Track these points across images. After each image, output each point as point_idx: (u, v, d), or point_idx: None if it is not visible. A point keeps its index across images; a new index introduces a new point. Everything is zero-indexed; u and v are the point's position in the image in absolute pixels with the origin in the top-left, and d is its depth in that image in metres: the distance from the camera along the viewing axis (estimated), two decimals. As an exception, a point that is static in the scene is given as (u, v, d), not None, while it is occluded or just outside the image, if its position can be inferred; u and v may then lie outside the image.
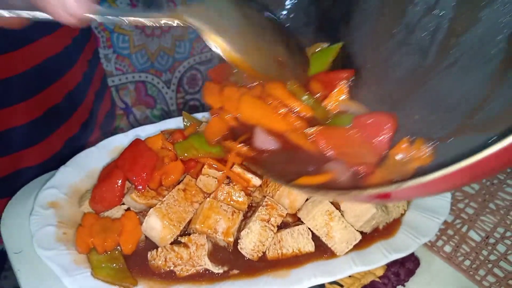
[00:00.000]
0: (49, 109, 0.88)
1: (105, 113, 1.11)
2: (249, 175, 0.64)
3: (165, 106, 2.12)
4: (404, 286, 0.64)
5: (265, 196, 0.64)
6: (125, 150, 0.66)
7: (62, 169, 0.72)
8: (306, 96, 0.59)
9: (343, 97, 0.61)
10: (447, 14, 0.58)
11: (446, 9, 0.58)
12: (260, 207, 0.62)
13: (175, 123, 0.81)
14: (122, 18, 0.42)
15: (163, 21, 0.45)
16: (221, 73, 0.65)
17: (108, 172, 0.65)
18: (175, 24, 0.45)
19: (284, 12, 0.72)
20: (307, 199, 0.64)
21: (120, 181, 0.63)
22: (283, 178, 0.52)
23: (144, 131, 0.79)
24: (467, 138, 0.49)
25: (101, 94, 1.09)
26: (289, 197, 0.64)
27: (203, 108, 2.25)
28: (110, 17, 0.41)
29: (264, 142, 0.54)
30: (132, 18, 0.43)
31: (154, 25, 0.45)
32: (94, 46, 1.11)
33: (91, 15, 0.36)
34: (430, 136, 0.53)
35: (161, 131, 0.74)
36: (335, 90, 0.61)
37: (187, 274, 0.59)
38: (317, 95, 0.61)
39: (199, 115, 0.82)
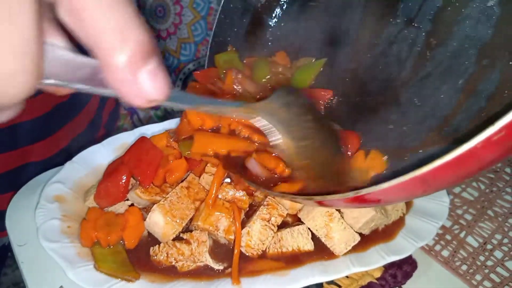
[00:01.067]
0: (57, 106, 0.90)
1: (109, 112, 1.13)
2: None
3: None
4: (401, 288, 0.65)
5: (266, 196, 0.66)
6: (131, 147, 0.67)
7: (68, 164, 0.73)
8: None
9: None
10: (424, 27, 0.59)
11: (424, 22, 0.59)
12: (261, 207, 0.64)
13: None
14: (197, 106, 0.39)
15: (238, 114, 0.46)
16: (207, 77, 0.67)
17: (113, 168, 0.66)
18: (249, 120, 0.46)
19: (275, 20, 0.73)
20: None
21: (125, 177, 0.65)
22: (263, 186, 0.55)
23: (150, 130, 0.80)
24: (433, 150, 0.50)
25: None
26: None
27: (206, 110, 2.26)
28: (185, 105, 0.38)
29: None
30: (206, 108, 0.41)
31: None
32: None
33: (166, 102, 0.32)
34: (403, 146, 0.55)
35: (166, 130, 0.75)
36: None
37: (188, 269, 0.60)
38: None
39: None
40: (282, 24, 0.75)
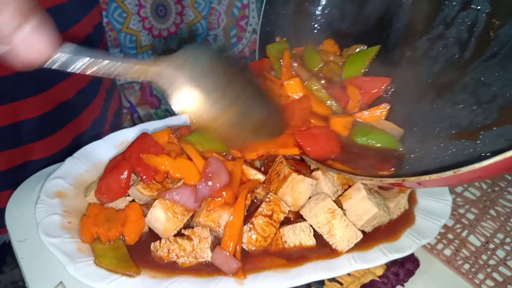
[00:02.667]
0: (60, 104, 0.89)
1: (114, 111, 1.13)
2: (253, 171, 0.65)
3: (169, 106, 2.13)
4: (403, 286, 0.64)
5: (268, 193, 0.65)
6: (132, 143, 0.67)
7: (69, 160, 0.73)
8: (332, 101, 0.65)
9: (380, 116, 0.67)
10: (484, 9, 0.59)
11: (483, 3, 0.59)
12: (263, 203, 0.63)
13: (182, 119, 0.83)
14: (87, 68, 0.39)
15: (135, 73, 0.42)
16: (262, 67, 0.69)
17: (114, 164, 0.66)
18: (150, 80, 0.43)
19: (319, 8, 0.74)
20: (310, 197, 0.65)
21: (126, 173, 0.64)
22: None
23: (151, 126, 0.80)
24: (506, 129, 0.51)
25: (111, 92, 1.10)
26: (292, 194, 0.64)
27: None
28: (77, 64, 0.38)
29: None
30: (101, 66, 0.39)
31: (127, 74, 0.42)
32: (106, 44, 1.12)
33: (54, 62, 0.33)
34: (474, 125, 0.56)
35: (168, 126, 0.75)
36: (377, 108, 0.67)
37: (189, 265, 0.59)
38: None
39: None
40: (327, 11, 0.75)
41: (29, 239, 0.67)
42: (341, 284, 0.63)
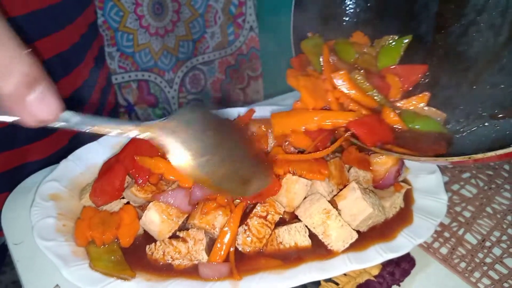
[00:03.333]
0: None
1: (109, 110, 1.12)
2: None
3: (167, 105, 2.13)
4: (399, 285, 0.64)
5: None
6: (126, 145, 0.66)
7: (64, 162, 0.73)
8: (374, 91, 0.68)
9: (421, 104, 0.70)
10: None
11: None
12: (258, 204, 0.63)
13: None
14: (89, 128, 0.43)
15: (134, 134, 0.46)
16: (301, 62, 0.71)
17: (109, 166, 0.66)
18: (143, 137, 0.47)
19: (347, 0, 0.77)
20: (305, 198, 0.65)
21: (120, 175, 0.64)
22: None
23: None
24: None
25: (106, 92, 1.10)
26: (287, 195, 0.64)
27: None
28: (81, 126, 0.43)
29: None
30: (99, 128, 0.44)
31: (123, 136, 0.47)
32: (101, 43, 1.11)
33: (59, 123, 0.38)
34: None
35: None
36: (418, 97, 0.70)
37: (185, 267, 0.59)
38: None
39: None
40: (355, 2, 0.78)
41: (25, 242, 0.67)
42: (337, 284, 0.63)
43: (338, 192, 0.66)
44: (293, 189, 0.64)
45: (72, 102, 0.92)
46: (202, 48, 2.04)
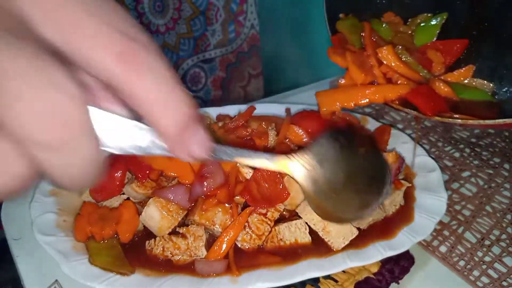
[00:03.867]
0: None
1: None
2: (246, 169, 0.65)
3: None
4: (398, 283, 0.64)
5: (263, 191, 0.65)
6: (126, 141, 0.66)
7: (64, 158, 0.73)
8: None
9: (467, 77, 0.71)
10: None
11: None
12: (258, 201, 0.63)
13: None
14: (233, 159, 0.41)
15: (271, 168, 0.45)
16: (340, 41, 0.72)
17: (109, 162, 0.66)
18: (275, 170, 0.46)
19: None
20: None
21: (120, 171, 0.64)
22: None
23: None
24: None
25: None
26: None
27: (205, 106, 2.27)
28: (224, 158, 0.41)
29: None
30: (245, 161, 0.42)
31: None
32: None
33: (209, 156, 0.36)
34: None
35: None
36: (464, 69, 0.71)
37: (184, 263, 0.59)
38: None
39: (201, 110, 0.83)
40: None
41: (24, 237, 0.67)
42: (336, 281, 0.63)
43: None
44: (294, 187, 0.64)
45: None
46: (203, 46, 2.04)
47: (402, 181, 0.72)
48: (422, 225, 0.66)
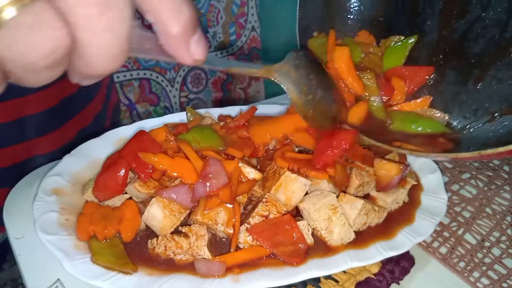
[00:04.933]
0: (64, 100, 0.90)
1: (113, 107, 1.14)
2: (248, 169, 0.65)
3: (168, 104, 2.14)
4: (398, 284, 0.65)
5: (265, 193, 0.65)
6: (129, 141, 0.67)
7: (67, 157, 0.73)
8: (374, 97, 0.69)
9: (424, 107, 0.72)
10: None
11: None
12: (260, 204, 0.63)
13: (179, 117, 0.83)
14: (227, 67, 0.51)
15: (257, 74, 0.57)
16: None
17: (112, 162, 0.66)
18: (261, 76, 0.57)
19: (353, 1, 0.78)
20: (305, 194, 0.66)
21: (123, 171, 0.64)
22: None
23: (148, 124, 0.80)
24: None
25: (110, 89, 1.11)
26: (285, 193, 0.64)
27: (206, 107, 2.27)
28: (217, 65, 0.50)
29: None
30: (234, 69, 0.52)
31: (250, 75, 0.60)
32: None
33: (205, 63, 0.43)
34: None
35: (165, 124, 0.75)
36: (421, 100, 0.72)
37: (186, 262, 0.60)
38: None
39: (202, 111, 0.83)
40: (359, 2, 0.79)
41: (26, 236, 0.68)
42: (337, 281, 0.64)
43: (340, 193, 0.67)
44: (291, 187, 0.64)
45: (80, 96, 0.94)
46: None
47: (408, 179, 0.72)
48: (423, 226, 0.67)
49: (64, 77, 0.86)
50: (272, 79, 0.59)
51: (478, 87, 0.67)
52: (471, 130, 0.66)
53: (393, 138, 0.65)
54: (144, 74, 1.98)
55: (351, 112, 0.67)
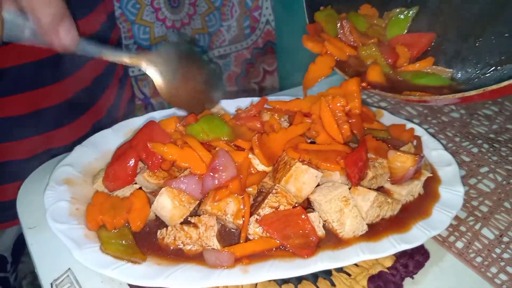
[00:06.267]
0: (79, 92, 0.91)
1: (127, 100, 1.14)
2: (258, 161, 0.64)
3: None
4: (412, 278, 0.63)
5: (275, 184, 0.64)
6: (139, 131, 0.67)
7: (78, 148, 0.74)
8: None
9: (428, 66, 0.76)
10: None
11: None
12: (270, 195, 0.62)
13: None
14: (100, 54, 0.61)
15: (126, 61, 0.66)
16: (315, 30, 0.78)
17: (122, 152, 0.66)
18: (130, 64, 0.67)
19: None
20: (317, 186, 0.64)
21: (133, 161, 0.64)
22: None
23: (159, 114, 0.80)
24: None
25: (123, 82, 1.12)
26: (296, 184, 0.63)
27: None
28: (89, 51, 0.60)
29: None
30: (107, 56, 0.62)
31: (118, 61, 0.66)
32: (118, 34, 1.14)
33: (77, 50, 0.55)
34: None
35: (175, 114, 0.74)
36: (423, 61, 0.76)
37: (195, 253, 0.59)
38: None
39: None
40: None
41: (39, 226, 0.68)
42: (349, 275, 0.62)
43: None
44: (302, 178, 0.63)
45: (93, 88, 0.94)
46: (218, 42, 2.04)
47: (423, 171, 0.70)
48: (438, 220, 0.65)
49: (79, 69, 0.88)
50: (141, 67, 0.67)
51: (478, 43, 0.72)
52: (475, 80, 0.71)
53: (402, 90, 0.69)
54: (159, 68, 1.98)
55: (370, 74, 0.71)
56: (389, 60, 0.75)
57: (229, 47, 2.10)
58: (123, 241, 0.59)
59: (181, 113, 0.80)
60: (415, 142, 0.77)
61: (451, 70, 0.75)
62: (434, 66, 0.76)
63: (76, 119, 0.93)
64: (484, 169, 0.84)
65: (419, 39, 0.77)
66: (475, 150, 0.89)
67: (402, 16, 0.80)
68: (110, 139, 0.76)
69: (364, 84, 0.70)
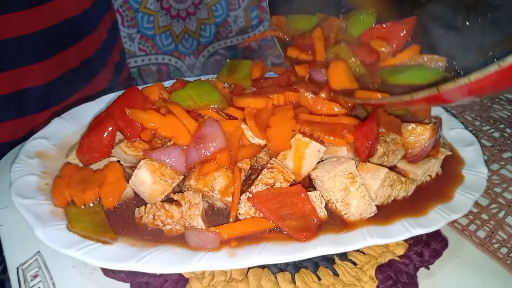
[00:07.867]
0: (66, 73, 0.86)
1: (123, 88, 1.09)
2: (249, 132, 0.57)
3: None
4: (428, 269, 0.54)
5: (270, 158, 0.57)
6: (118, 97, 0.59)
7: (56, 120, 0.67)
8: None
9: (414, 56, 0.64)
10: None
11: None
12: (264, 170, 0.55)
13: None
14: None
15: None
16: (279, 21, 0.73)
17: (98, 121, 0.59)
18: None
19: None
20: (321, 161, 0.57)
21: (110, 129, 0.57)
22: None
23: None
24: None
25: (119, 68, 1.08)
26: (295, 159, 0.56)
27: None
28: None
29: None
30: None
31: None
32: (114, 16, 1.09)
33: None
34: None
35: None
36: (407, 50, 0.65)
37: (177, 234, 0.51)
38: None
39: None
40: None
41: (11, 205, 0.61)
42: (355, 264, 0.54)
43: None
44: (302, 153, 0.55)
45: (83, 70, 0.88)
46: (224, 32, 1.98)
47: (441, 149, 0.62)
48: (459, 202, 0.57)
49: (63, 49, 0.81)
50: None
51: (467, 27, 0.60)
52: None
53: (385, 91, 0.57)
54: (163, 59, 1.92)
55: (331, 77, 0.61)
56: (363, 59, 0.64)
57: (236, 38, 2.04)
58: (93, 219, 0.51)
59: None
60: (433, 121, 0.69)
61: (445, 58, 0.62)
62: (429, 56, 0.63)
63: (62, 103, 0.87)
64: (507, 154, 0.77)
65: (397, 27, 0.65)
66: (496, 134, 0.83)
67: (363, 16, 0.70)
68: (92, 112, 0.69)
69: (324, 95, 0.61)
